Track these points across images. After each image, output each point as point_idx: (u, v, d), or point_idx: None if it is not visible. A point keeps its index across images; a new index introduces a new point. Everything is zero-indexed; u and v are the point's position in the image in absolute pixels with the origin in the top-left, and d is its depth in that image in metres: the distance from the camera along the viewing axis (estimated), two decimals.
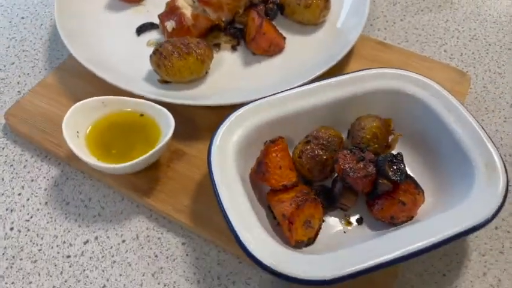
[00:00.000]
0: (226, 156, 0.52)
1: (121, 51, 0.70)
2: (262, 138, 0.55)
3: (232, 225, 0.47)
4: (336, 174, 0.54)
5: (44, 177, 0.60)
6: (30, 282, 0.52)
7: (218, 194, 0.49)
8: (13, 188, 0.60)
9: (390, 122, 0.57)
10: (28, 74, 0.72)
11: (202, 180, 0.58)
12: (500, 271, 0.53)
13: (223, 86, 0.67)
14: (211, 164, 0.51)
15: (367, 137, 0.54)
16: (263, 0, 0.73)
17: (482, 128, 0.53)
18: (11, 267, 0.53)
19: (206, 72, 0.67)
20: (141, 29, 0.73)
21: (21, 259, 0.54)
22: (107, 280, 0.52)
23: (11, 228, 0.56)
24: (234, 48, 0.71)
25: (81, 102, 0.57)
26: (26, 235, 0.56)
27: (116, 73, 0.65)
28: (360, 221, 0.54)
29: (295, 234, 0.50)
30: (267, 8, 0.73)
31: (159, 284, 0.52)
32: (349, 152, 0.52)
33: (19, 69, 0.73)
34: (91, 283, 0.52)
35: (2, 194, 0.59)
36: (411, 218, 0.52)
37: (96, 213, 0.57)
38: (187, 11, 0.68)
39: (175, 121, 0.56)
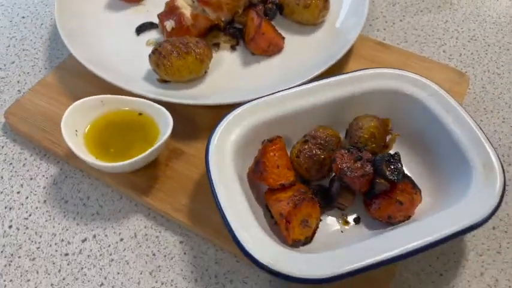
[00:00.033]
0: (224, 155, 0.52)
1: (120, 51, 0.71)
2: (260, 138, 0.55)
3: (229, 225, 0.47)
4: (334, 174, 0.54)
5: (43, 176, 0.61)
6: (29, 280, 0.52)
7: (216, 193, 0.49)
8: (12, 186, 0.60)
9: (388, 122, 0.57)
10: (28, 73, 0.73)
11: (200, 179, 0.58)
12: (497, 271, 0.53)
13: (222, 85, 0.67)
14: (209, 163, 0.51)
15: (364, 137, 0.55)
16: (262, 0, 0.74)
17: (480, 129, 0.53)
18: (10, 264, 0.53)
19: (205, 72, 0.67)
20: (141, 29, 0.73)
21: (19, 257, 0.54)
22: (105, 278, 0.53)
23: (10, 226, 0.56)
24: (233, 48, 0.71)
25: (80, 101, 0.57)
26: (24, 233, 0.56)
27: (115, 72, 0.66)
28: (357, 221, 0.54)
29: (293, 233, 0.50)
30: (266, 8, 0.73)
31: (156, 282, 0.52)
32: (346, 151, 0.52)
33: (19, 68, 0.73)
34: (89, 281, 0.52)
35: (1, 192, 0.59)
36: (408, 217, 0.52)
37: (94, 211, 0.58)
38: (187, 11, 0.68)
39: (174, 120, 0.56)
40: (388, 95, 0.59)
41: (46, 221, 0.57)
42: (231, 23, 0.72)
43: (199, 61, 0.63)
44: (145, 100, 0.59)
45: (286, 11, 0.73)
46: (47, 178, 0.61)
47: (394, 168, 0.51)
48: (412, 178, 0.53)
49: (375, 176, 0.51)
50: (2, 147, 0.64)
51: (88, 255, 0.54)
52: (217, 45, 0.71)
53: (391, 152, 0.54)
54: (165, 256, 0.54)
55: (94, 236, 0.56)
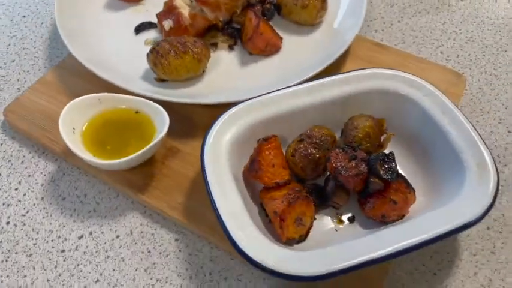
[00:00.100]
0: (219, 154, 0.53)
1: (119, 50, 0.71)
2: (256, 137, 0.55)
3: (223, 223, 0.47)
4: (329, 173, 0.54)
5: (41, 173, 0.61)
6: (25, 276, 0.53)
7: (210, 192, 0.49)
8: (10, 183, 0.60)
9: (383, 122, 0.58)
10: (28, 71, 0.73)
11: (196, 178, 0.59)
12: (491, 271, 0.54)
13: (220, 85, 0.67)
14: (204, 162, 0.51)
15: (359, 136, 0.55)
16: (260, 1, 0.74)
17: (475, 129, 0.53)
18: (6, 260, 0.54)
19: (203, 71, 0.68)
20: (140, 28, 0.74)
21: (16, 253, 0.55)
22: (100, 275, 0.53)
23: (7, 223, 0.57)
24: (231, 47, 0.72)
25: (78, 99, 0.58)
26: (21, 229, 0.56)
27: (114, 71, 0.66)
28: (351, 220, 0.54)
29: (287, 231, 0.50)
30: (264, 8, 0.74)
31: (151, 279, 0.53)
32: (341, 150, 0.52)
33: (19, 66, 0.74)
34: (84, 277, 0.53)
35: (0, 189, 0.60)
36: (402, 216, 0.52)
37: (91, 208, 0.58)
38: (185, 11, 0.69)
39: (171, 119, 0.57)
40: (383, 95, 0.59)
41: (43, 217, 0.57)
42: (229, 23, 0.73)
43: (197, 60, 0.64)
44: (142, 98, 0.59)
45: (284, 11, 0.74)
46: (44, 175, 0.61)
47: (388, 167, 0.51)
48: (407, 178, 0.53)
49: (369, 175, 0.51)
50: (1, 144, 0.64)
51: (84, 252, 0.55)
52: (215, 45, 0.72)
53: (386, 151, 0.54)
54: (160, 253, 0.54)
55: (90, 233, 0.56)
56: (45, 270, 0.53)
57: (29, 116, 0.65)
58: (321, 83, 0.59)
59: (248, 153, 0.55)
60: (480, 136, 0.53)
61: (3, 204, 0.59)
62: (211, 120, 0.55)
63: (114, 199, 0.59)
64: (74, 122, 0.57)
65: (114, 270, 0.53)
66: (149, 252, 0.55)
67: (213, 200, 0.49)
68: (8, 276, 0.53)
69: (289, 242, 0.51)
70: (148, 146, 0.54)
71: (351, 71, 0.60)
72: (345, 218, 0.54)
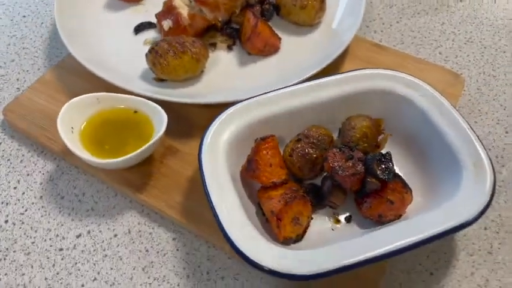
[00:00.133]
0: (217, 154, 0.53)
1: (119, 50, 0.71)
2: (253, 137, 0.55)
3: (221, 223, 0.48)
4: (326, 173, 0.55)
5: (40, 172, 0.62)
6: (23, 274, 0.53)
7: (208, 191, 0.50)
8: (9, 182, 0.61)
9: (381, 122, 0.58)
10: (27, 71, 0.74)
11: (194, 177, 0.59)
12: (488, 271, 0.54)
13: (219, 84, 0.68)
14: (202, 162, 0.52)
15: (356, 136, 0.55)
16: (259, 1, 0.74)
17: (472, 129, 0.53)
18: (5, 259, 0.54)
19: (202, 71, 0.68)
20: (139, 28, 0.74)
21: (14, 251, 0.55)
22: (98, 273, 0.53)
23: (6, 221, 0.57)
24: (230, 48, 0.72)
25: (76, 98, 0.58)
26: (20, 228, 0.57)
27: (113, 71, 0.66)
28: (348, 219, 0.54)
29: (284, 230, 0.50)
30: (263, 9, 0.74)
31: (149, 278, 0.53)
32: (338, 150, 0.53)
33: (19, 66, 0.74)
34: (82, 276, 0.53)
35: None
36: (399, 216, 0.53)
37: (89, 207, 0.58)
38: (184, 11, 0.69)
39: (170, 119, 0.57)
40: (381, 95, 0.59)
41: (42, 216, 0.58)
42: (228, 23, 0.73)
43: (196, 60, 0.64)
44: (140, 98, 0.59)
45: (283, 12, 0.74)
46: (43, 174, 0.61)
47: (385, 167, 0.51)
48: (404, 178, 0.53)
49: (366, 175, 0.52)
50: (0, 143, 0.65)
51: (82, 251, 0.55)
52: (214, 45, 0.72)
53: (383, 151, 0.54)
54: (158, 252, 0.55)
55: (88, 232, 0.56)
56: (43, 268, 0.53)
57: (28, 115, 0.65)
58: (319, 83, 0.59)
59: (246, 153, 0.55)
60: (477, 136, 0.53)
61: (2, 202, 0.59)
62: (209, 120, 0.55)
63: (112, 198, 0.59)
64: (72, 121, 0.57)
65: (111, 268, 0.53)
66: (147, 251, 0.55)
67: (210, 199, 0.49)
68: (6, 274, 0.53)
69: (286, 242, 0.51)
70: (146, 145, 0.54)
71: (349, 71, 0.60)
72: (342, 217, 0.55)
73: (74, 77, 0.69)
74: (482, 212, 0.48)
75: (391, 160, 0.52)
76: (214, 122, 0.55)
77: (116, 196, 0.59)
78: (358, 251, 0.46)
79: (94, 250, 0.55)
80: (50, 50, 0.77)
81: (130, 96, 0.60)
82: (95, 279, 0.53)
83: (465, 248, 0.55)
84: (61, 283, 0.52)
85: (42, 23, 0.81)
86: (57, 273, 0.53)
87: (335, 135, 0.59)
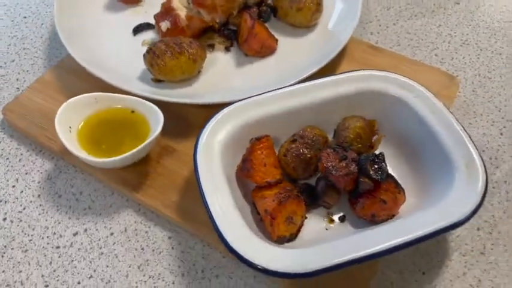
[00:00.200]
0: (212, 154, 0.53)
1: (118, 51, 0.72)
2: (249, 137, 0.56)
3: (215, 221, 0.48)
4: (320, 173, 0.55)
5: (38, 171, 0.62)
6: (20, 271, 0.54)
7: (202, 190, 0.50)
8: (8, 180, 0.62)
9: (374, 123, 0.58)
10: (27, 71, 0.75)
11: (190, 177, 0.59)
12: (480, 271, 0.54)
13: (216, 85, 0.68)
14: (197, 162, 0.52)
15: (350, 137, 0.56)
16: (257, 3, 0.75)
17: (465, 130, 0.54)
18: (2, 256, 0.55)
19: (199, 72, 0.69)
20: (138, 29, 0.75)
21: (12, 248, 0.56)
22: (94, 271, 0.54)
23: (4, 219, 0.58)
24: (227, 49, 0.73)
25: (74, 98, 0.59)
26: (18, 226, 0.57)
27: (111, 72, 0.67)
28: (342, 219, 0.55)
29: (277, 229, 0.51)
30: (260, 11, 0.75)
31: (144, 275, 0.53)
32: (332, 150, 0.53)
33: (19, 66, 0.75)
34: (78, 273, 0.54)
35: None
36: (392, 216, 0.53)
37: (86, 206, 0.59)
38: (182, 12, 0.70)
39: (167, 119, 0.58)
40: (375, 96, 0.60)
41: (39, 214, 0.58)
42: (226, 25, 0.74)
43: (192, 61, 0.65)
44: (137, 98, 0.60)
45: (280, 14, 0.75)
46: (41, 173, 0.62)
47: (378, 167, 0.52)
48: (397, 178, 0.54)
49: (359, 175, 0.52)
50: (0, 142, 0.65)
51: (79, 249, 0.56)
52: (211, 46, 0.73)
53: (377, 152, 0.55)
54: (153, 250, 0.55)
55: (85, 230, 0.57)
56: (40, 266, 0.54)
57: (28, 114, 0.66)
58: (314, 84, 0.60)
59: (242, 153, 0.56)
60: (470, 137, 0.53)
61: (1, 200, 0.60)
62: (207, 120, 0.56)
63: (109, 197, 0.60)
64: (70, 121, 0.58)
65: (107, 266, 0.54)
66: (142, 249, 0.55)
67: (205, 199, 0.50)
68: (3, 271, 0.54)
69: (280, 241, 0.52)
70: (142, 145, 0.55)
71: (344, 72, 0.61)
72: (336, 217, 0.55)
73: (73, 77, 0.70)
74: (473, 212, 0.48)
75: (384, 160, 0.53)
76: (209, 122, 0.55)
77: (113, 195, 0.60)
78: (350, 250, 0.46)
79: (90, 248, 0.56)
80: (50, 51, 0.77)
81: (128, 96, 0.61)
82: (91, 276, 0.53)
83: (458, 249, 0.56)
84: (57, 280, 0.53)
85: (42, 23, 0.82)
86: (54, 271, 0.54)
87: (330, 136, 0.59)
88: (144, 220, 0.58)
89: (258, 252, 0.46)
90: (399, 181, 0.54)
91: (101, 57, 0.70)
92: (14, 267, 0.54)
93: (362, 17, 0.82)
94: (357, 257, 0.45)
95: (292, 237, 0.52)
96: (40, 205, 0.59)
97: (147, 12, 0.78)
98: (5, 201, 0.60)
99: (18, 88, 0.72)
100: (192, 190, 0.58)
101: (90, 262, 0.54)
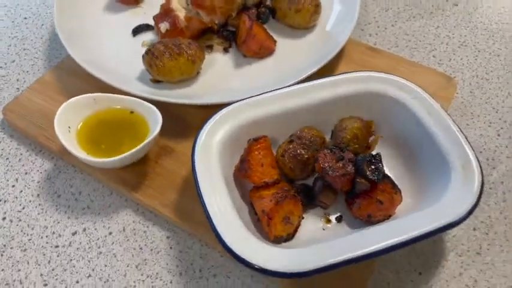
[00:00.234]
0: (210, 154, 0.54)
1: (117, 52, 0.73)
2: (247, 137, 0.56)
3: (212, 221, 0.48)
4: (318, 173, 0.55)
5: (38, 171, 0.63)
6: (19, 270, 0.54)
7: (200, 191, 0.50)
8: (7, 180, 0.62)
9: (372, 124, 0.59)
10: (27, 71, 0.75)
11: (188, 177, 0.60)
12: (476, 271, 0.54)
13: (215, 86, 0.69)
14: (195, 162, 0.53)
15: (347, 137, 0.56)
16: (256, 4, 0.75)
17: (461, 131, 0.54)
18: (1, 255, 0.55)
19: (197, 73, 0.69)
20: (137, 30, 0.76)
21: (11, 248, 0.56)
22: (93, 270, 0.54)
23: (3, 218, 0.58)
24: (226, 50, 0.73)
25: (73, 98, 0.59)
26: (17, 225, 0.58)
27: (111, 72, 0.68)
28: (339, 219, 0.55)
29: (274, 229, 0.51)
30: (259, 12, 0.75)
31: (142, 275, 0.54)
32: (329, 151, 0.54)
33: (19, 67, 0.76)
34: (77, 272, 0.54)
35: None
36: (389, 217, 0.53)
37: (85, 205, 0.59)
38: (181, 14, 0.70)
39: (166, 119, 0.58)
40: (373, 97, 0.60)
41: (38, 214, 0.59)
42: (225, 26, 0.74)
43: (191, 62, 0.65)
44: (136, 99, 0.60)
45: (279, 15, 0.75)
46: (41, 173, 0.63)
47: (374, 168, 0.52)
48: (394, 179, 0.54)
49: (356, 176, 0.52)
50: (0, 142, 0.66)
51: (77, 248, 0.56)
52: (210, 47, 0.73)
53: (374, 153, 0.55)
54: (151, 250, 0.56)
55: (84, 230, 0.57)
56: (39, 265, 0.55)
57: (27, 115, 0.66)
58: (312, 85, 0.60)
59: (240, 154, 0.56)
60: (466, 138, 0.53)
61: (0, 200, 0.60)
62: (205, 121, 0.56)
63: (108, 197, 0.60)
64: (69, 121, 0.59)
65: (106, 265, 0.55)
66: (141, 248, 0.56)
67: (203, 199, 0.50)
68: (3, 270, 0.54)
69: (277, 240, 0.52)
70: (141, 145, 0.55)
71: (342, 73, 0.61)
72: (332, 217, 0.55)
73: (72, 77, 0.71)
74: (469, 213, 0.48)
75: (380, 161, 0.53)
76: (208, 123, 0.56)
77: (112, 195, 0.60)
78: (346, 250, 0.46)
79: (89, 247, 0.56)
80: (50, 51, 0.78)
81: (127, 97, 0.61)
82: (90, 275, 0.54)
83: (454, 249, 0.56)
84: (56, 279, 0.53)
85: (42, 24, 0.82)
86: (53, 270, 0.54)
87: (328, 137, 0.60)
88: (142, 220, 0.58)
89: (255, 252, 0.47)
90: (396, 182, 0.54)
91: (100, 58, 0.71)
92: (13, 266, 0.55)
93: (360, 18, 0.82)
94: (353, 257, 0.46)
95: (289, 237, 0.53)
96: (39, 205, 0.60)
97: (146, 14, 0.78)
98: (5, 201, 0.60)
99: (18, 88, 0.73)
100: (191, 190, 0.58)
101: (89, 261, 0.55)
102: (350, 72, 0.61)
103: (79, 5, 0.77)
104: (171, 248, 0.56)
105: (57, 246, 0.56)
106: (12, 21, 0.83)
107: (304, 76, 0.65)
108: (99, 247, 0.56)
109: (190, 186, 0.59)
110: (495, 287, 0.53)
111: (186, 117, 0.66)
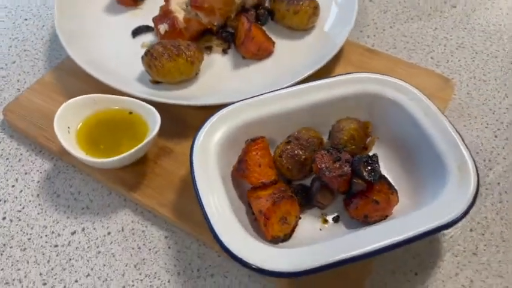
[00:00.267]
0: (208, 155, 0.54)
1: (117, 53, 0.73)
2: (246, 138, 0.57)
3: (209, 221, 0.49)
4: (315, 174, 0.56)
5: (37, 171, 0.63)
6: (19, 269, 0.55)
7: (198, 191, 0.51)
8: (7, 180, 0.62)
9: (368, 125, 0.59)
10: (28, 72, 0.76)
11: (187, 177, 0.60)
12: (472, 272, 0.55)
13: (213, 87, 0.69)
14: (193, 163, 0.53)
15: (344, 138, 0.56)
16: (254, 6, 0.76)
17: (458, 132, 0.55)
18: (1, 254, 0.56)
19: (196, 74, 0.69)
20: (137, 32, 0.76)
21: (11, 247, 0.56)
22: (91, 269, 0.55)
23: (3, 218, 0.59)
24: (225, 51, 0.74)
25: (73, 99, 0.60)
26: (17, 225, 0.58)
27: (110, 73, 0.68)
28: (336, 220, 0.56)
29: (271, 229, 0.51)
30: (258, 14, 0.76)
31: (140, 274, 0.54)
32: (326, 152, 0.54)
33: (20, 67, 0.76)
34: (76, 272, 0.54)
35: None
36: (385, 217, 0.54)
37: (84, 205, 0.60)
38: (180, 15, 0.71)
39: (165, 120, 0.59)
40: (370, 98, 0.60)
41: (38, 213, 0.59)
42: (224, 27, 0.75)
43: (190, 63, 0.66)
44: (135, 99, 0.61)
45: (277, 17, 0.76)
46: (40, 173, 0.63)
47: (371, 169, 0.53)
48: (391, 180, 0.55)
49: (353, 176, 0.53)
50: (0, 142, 0.66)
51: (76, 247, 0.56)
52: (209, 49, 0.74)
53: (371, 153, 0.56)
54: (150, 250, 0.56)
55: (83, 229, 0.58)
56: (38, 264, 0.55)
57: (28, 115, 0.67)
58: (310, 86, 0.60)
59: (237, 154, 0.56)
60: (462, 139, 0.54)
61: (0, 200, 0.61)
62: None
63: (107, 197, 0.61)
64: (68, 122, 0.59)
65: (104, 265, 0.55)
66: (139, 248, 0.56)
67: (201, 200, 0.51)
68: (2, 269, 0.55)
69: (274, 241, 0.52)
70: (139, 145, 0.56)
71: (339, 74, 0.62)
72: (330, 218, 0.56)
73: (72, 78, 0.71)
74: (465, 213, 0.49)
75: (377, 162, 0.53)
76: (206, 124, 0.56)
77: (111, 195, 0.61)
78: (343, 250, 0.47)
79: (88, 247, 0.56)
80: (50, 52, 0.78)
81: (126, 98, 0.62)
82: (88, 275, 0.54)
83: (450, 249, 0.56)
84: (55, 278, 0.54)
85: (43, 25, 0.83)
86: (52, 269, 0.55)
87: (326, 138, 0.60)
88: (141, 220, 0.59)
89: (253, 252, 0.47)
90: (393, 182, 0.54)
91: (100, 59, 0.71)
92: (12, 265, 0.55)
93: (359, 20, 0.83)
94: (350, 257, 0.46)
95: (287, 237, 0.53)
96: (39, 204, 0.60)
97: (145, 15, 0.78)
98: (5, 201, 0.61)
99: (18, 89, 0.73)
100: (189, 190, 0.59)
101: (88, 261, 0.55)
102: (348, 73, 0.62)
103: (79, 6, 0.78)
104: (169, 247, 0.56)
105: (56, 246, 0.57)
106: (13, 23, 0.84)
107: (302, 77, 0.65)
108: (98, 247, 0.56)
109: (189, 186, 0.59)
110: (491, 287, 0.54)
111: (185, 118, 0.66)
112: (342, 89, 0.60)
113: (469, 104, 0.71)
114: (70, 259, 0.55)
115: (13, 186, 0.62)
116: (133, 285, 0.53)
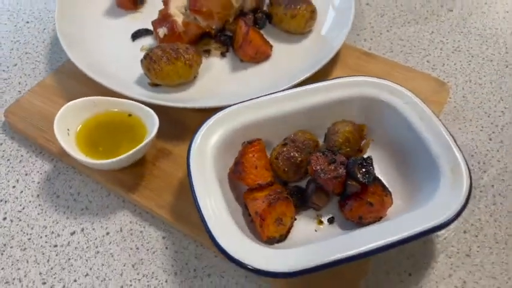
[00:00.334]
0: (205, 157, 0.55)
1: (117, 56, 0.74)
2: (242, 140, 0.57)
3: (206, 222, 0.50)
4: (311, 176, 0.57)
5: (38, 172, 0.64)
6: (19, 269, 0.56)
7: (195, 193, 0.52)
8: (8, 181, 0.63)
9: (364, 128, 0.60)
10: (29, 75, 0.77)
11: (185, 179, 0.61)
12: (465, 273, 0.55)
13: (212, 90, 0.70)
14: (190, 165, 0.54)
15: (339, 141, 0.57)
16: (252, 10, 0.77)
17: (451, 135, 0.55)
18: (2, 254, 0.57)
19: (195, 77, 0.70)
20: (136, 35, 0.77)
21: (11, 247, 0.57)
22: (90, 269, 0.56)
23: (4, 218, 0.60)
24: (223, 54, 0.75)
25: (73, 101, 0.61)
26: (17, 225, 0.59)
27: (110, 76, 0.69)
28: (331, 221, 0.56)
29: (267, 230, 0.52)
30: (256, 17, 0.76)
31: (138, 274, 0.55)
32: (321, 154, 0.55)
33: (21, 70, 0.77)
34: (75, 271, 0.55)
35: None
36: (379, 218, 0.54)
37: (84, 206, 0.61)
38: (179, 19, 0.72)
39: (164, 122, 0.60)
40: (366, 102, 0.61)
41: (38, 214, 0.60)
42: (222, 31, 0.76)
43: (188, 66, 0.67)
44: (134, 102, 0.62)
45: (275, 20, 0.77)
46: (41, 174, 0.64)
47: (365, 171, 0.53)
48: (385, 182, 0.55)
49: (348, 178, 0.54)
50: (1, 144, 0.68)
51: (75, 247, 0.57)
52: (208, 52, 0.75)
53: (366, 156, 0.56)
54: (147, 250, 0.57)
55: (82, 230, 0.59)
56: (38, 263, 0.56)
57: (28, 117, 0.68)
58: (306, 90, 0.61)
59: (234, 157, 0.57)
60: (456, 142, 0.55)
61: (1, 200, 0.62)
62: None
63: (106, 198, 0.62)
64: (68, 124, 0.60)
65: (103, 265, 0.56)
66: (137, 248, 0.57)
67: (197, 202, 0.51)
68: (2, 268, 0.56)
69: (269, 241, 0.53)
70: (138, 147, 0.57)
71: (336, 78, 0.63)
72: (325, 219, 0.57)
73: (73, 81, 0.72)
74: (457, 215, 0.49)
75: (371, 164, 0.54)
76: (203, 126, 0.57)
77: (109, 196, 0.62)
78: (337, 250, 0.47)
79: (87, 247, 0.57)
80: (51, 55, 0.80)
81: (125, 100, 0.62)
82: (87, 274, 0.55)
83: (444, 251, 0.57)
84: (55, 278, 0.55)
85: (44, 29, 0.84)
86: (51, 269, 0.56)
87: (322, 140, 0.61)
88: (139, 220, 0.60)
89: (249, 253, 0.48)
90: (387, 184, 0.55)
91: (100, 62, 0.72)
92: (12, 264, 0.56)
93: (356, 24, 0.84)
94: (345, 257, 0.47)
95: (282, 238, 0.54)
96: (39, 205, 0.61)
97: (145, 19, 0.79)
98: (5, 201, 0.61)
99: (20, 91, 0.74)
100: (187, 192, 0.59)
101: (87, 261, 0.56)
102: (344, 76, 0.63)
103: (80, 9, 0.79)
104: (166, 248, 0.57)
105: (55, 246, 0.57)
106: (15, 26, 0.85)
107: (299, 80, 0.66)
108: (96, 247, 0.57)
109: (187, 188, 0.59)
110: None
111: (184, 121, 0.67)
112: (338, 92, 0.61)
113: (464, 107, 0.72)
114: (69, 259, 0.56)
115: (14, 187, 0.63)
116: (131, 285, 0.54)
